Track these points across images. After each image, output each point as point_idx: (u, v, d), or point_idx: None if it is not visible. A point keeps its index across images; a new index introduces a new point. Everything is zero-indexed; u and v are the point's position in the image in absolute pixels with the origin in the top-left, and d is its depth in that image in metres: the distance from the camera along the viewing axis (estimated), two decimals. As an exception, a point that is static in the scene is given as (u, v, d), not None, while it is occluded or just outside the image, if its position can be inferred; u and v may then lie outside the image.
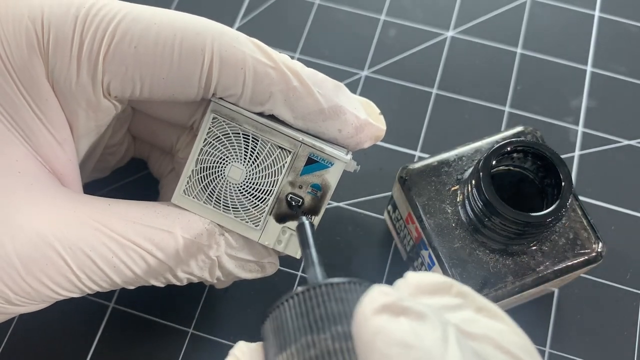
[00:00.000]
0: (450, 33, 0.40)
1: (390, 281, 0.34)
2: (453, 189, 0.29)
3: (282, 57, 0.24)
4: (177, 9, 0.41)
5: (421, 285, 0.19)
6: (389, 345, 0.16)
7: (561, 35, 0.40)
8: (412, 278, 0.19)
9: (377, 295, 0.17)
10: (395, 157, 0.36)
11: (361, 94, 0.38)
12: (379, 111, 0.27)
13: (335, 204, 0.35)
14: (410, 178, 0.29)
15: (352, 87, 0.38)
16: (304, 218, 0.25)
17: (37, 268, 0.23)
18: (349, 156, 0.26)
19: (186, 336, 0.32)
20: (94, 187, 0.34)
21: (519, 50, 0.40)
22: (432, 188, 0.29)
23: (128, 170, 0.34)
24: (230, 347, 0.31)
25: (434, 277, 0.19)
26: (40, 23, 0.23)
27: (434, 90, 0.39)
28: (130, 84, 0.24)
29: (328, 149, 0.25)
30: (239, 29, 0.40)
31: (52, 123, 0.24)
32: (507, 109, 0.38)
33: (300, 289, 0.19)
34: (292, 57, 0.39)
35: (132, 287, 0.26)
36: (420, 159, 0.36)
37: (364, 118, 0.26)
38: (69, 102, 0.24)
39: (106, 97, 0.24)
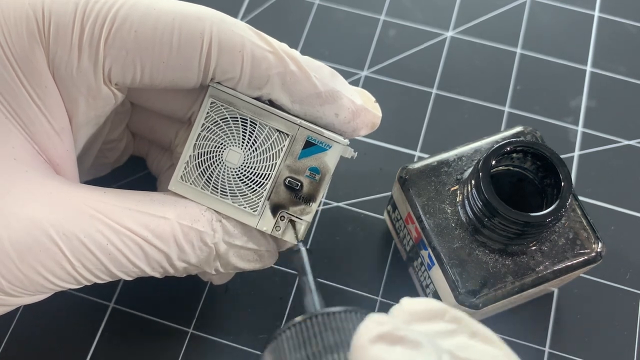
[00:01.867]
0: (450, 33, 0.40)
1: (390, 281, 0.34)
2: (453, 189, 0.29)
3: (280, 44, 0.25)
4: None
5: (416, 311, 0.19)
6: None
7: (561, 35, 0.40)
8: (407, 304, 0.19)
9: (372, 325, 0.17)
10: (395, 157, 0.36)
11: (361, 94, 0.38)
12: (374, 99, 0.28)
13: (335, 204, 0.35)
14: (410, 178, 0.29)
15: (352, 87, 0.39)
16: (300, 244, 0.25)
17: (31, 255, 0.23)
18: (347, 141, 0.26)
19: (186, 336, 0.32)
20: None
21: (518, 50, 0.40)
22: (431, 188, 0.29)
23: (127, 170, 0.34)
24: (230, 347, 0.31)
25: (429, 303, 0.19)
26: (40, 11, 0.23)
27: (434, 90, 0.39)
28: (131, 69, 0.24)
29: (326, 131, 0.26)
30: (238, 29, 0.40)
31: (50, 111, 0.24)
32: (506, 109, 0.38)
33: (298, 319, 0.20)
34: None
35: (129, 278, 0.25)
36: (420, 159, 0.36)
37: (360, 103, 0.26)
38: (69, 90, 0.24)
39: (106, 84, 0.24)
